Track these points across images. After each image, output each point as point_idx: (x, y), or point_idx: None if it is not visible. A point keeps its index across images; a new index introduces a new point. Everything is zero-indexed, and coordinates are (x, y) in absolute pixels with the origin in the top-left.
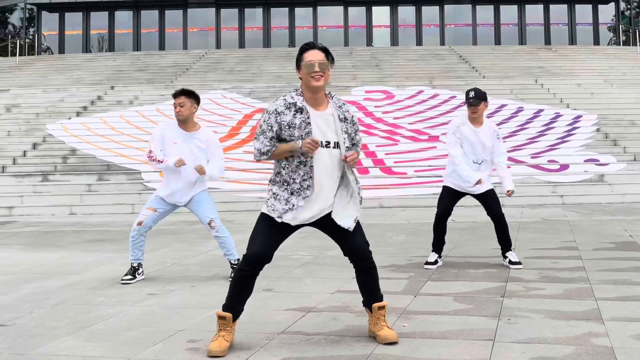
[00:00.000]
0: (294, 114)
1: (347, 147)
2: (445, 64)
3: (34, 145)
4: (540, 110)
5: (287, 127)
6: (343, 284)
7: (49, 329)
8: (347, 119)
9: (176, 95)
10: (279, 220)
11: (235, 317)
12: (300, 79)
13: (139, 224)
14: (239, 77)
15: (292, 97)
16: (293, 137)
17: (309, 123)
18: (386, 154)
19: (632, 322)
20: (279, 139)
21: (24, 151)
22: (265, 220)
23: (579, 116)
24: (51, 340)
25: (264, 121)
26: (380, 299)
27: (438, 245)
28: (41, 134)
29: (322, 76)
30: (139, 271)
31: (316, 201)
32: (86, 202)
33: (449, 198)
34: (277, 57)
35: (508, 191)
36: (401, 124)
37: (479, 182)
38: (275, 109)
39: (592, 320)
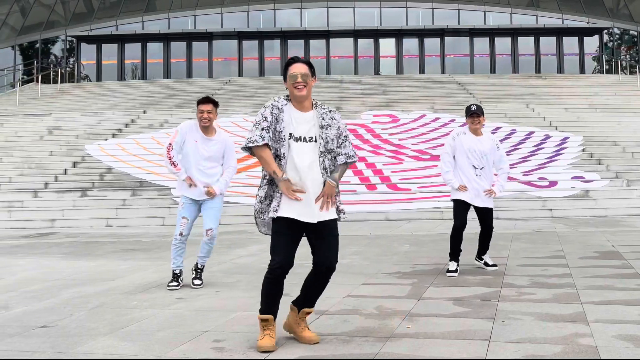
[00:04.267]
0: (280, 112)
1: (321, 151)
2: (445, 90)
3: (74, 164)
4: (532, 133)
5: (275, 121)
6: (353, 289)
7: (87, 330)
8: (328, 126)
9: (204, 102)
10: (292, 216)
11: (275, 315)
12: (287, 89)
13: (181, 234)
14: (259, 102)
15: (279, 100)
16: (275, 131)
17: (283, 119)
18: (392, 171)
19: (615, 323)
20: (274, 132)
21: (65, 169)
22: (278, 232)
23: (566, 138)
24: (89, 340)
25: (260, 114)
26: (312, 305)
27: (456, 254)
28: (80, 154)
29: (304, 86)
30: (181, 277)
31: (308, 190)
32: (121, 215)
33: (463, 211)
34: None
35: (488, 190)
36: (405, 145)
37: (462, 187)
38: (272, 104)
39: (578, 322)
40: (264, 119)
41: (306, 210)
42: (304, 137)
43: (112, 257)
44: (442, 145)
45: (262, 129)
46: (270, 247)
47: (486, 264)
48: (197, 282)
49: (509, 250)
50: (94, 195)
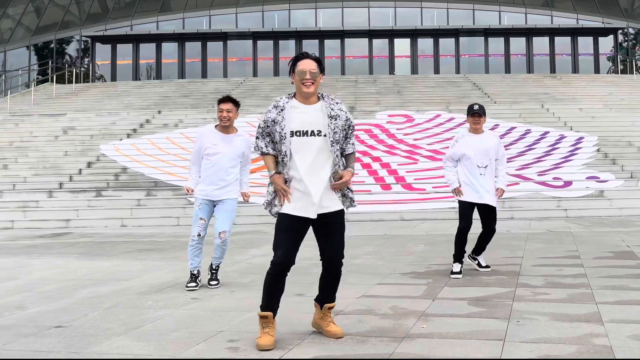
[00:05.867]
0: (278, 113)
1: (330, 141)
2: (460, 90)
3: (89, 164)
4: (546, 132)
5: (272, 123)
6: (368, 289)
7: (102, 330)
8: (337, 117)
9: (224, 101)
10: (281, 210)
11: (274, 314)
12: (292, 83)
13: (199, 235)
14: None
15: (280, 100)
16: (275, 132)
17: (284, 118)
18: (407, 171)
19: (629, 323)
20: (270, 135)
21: (80, 169)
22: (280, 229)
23: (581, 138)
24: (104, 340)
25: (263, 120)
26: (333, 300)
27: (460, 255)
28: (95, 154)
29: (312, 83)
30: (199, 278)
31: (306, 187)
32: (136, 215)
33: (469, 211)
34: None
35: (498, 189)
36: (420, 145)
37: (458, 190)
38: (268, 110)
39: (593, 322)
40: (266, 125)
41: (307, 205)
42: (309, 131)
43: (127, 257)
44: None
45: (267, 141)
46: (273, 243)
47: (479, 264)
48: (213, 282)
49: (523, 251)
50: (109, 196)
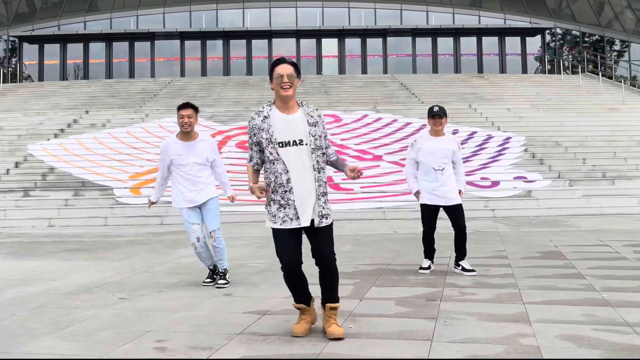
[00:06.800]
0: (263, 120)
1: (312, 148)
2: (388, 90)
3: (16, 164)
4: (474, 132)
5: (258, 130)
6: None
7: (29, 330)
8: (316, 124)
9: (184, 107)
10: (283, 226)
11: (308, 303)
12: (272, 89)
13: (198, 240)
14: (201, 102)
15: (264, 108)
16: (262, 139)
17: (271, 125)
18: (334, 171)
19: (557, 323)
20: (258, 144)
21: (7, 169)
22: (277, 236)
23: (509, 138)
24: (31, 340)
25: (249, 131)
26: (335, 300)
27: (429, 253)
28: (22, 154)
29: (290, 87)
30: (216, 272)
31: (298, 194)
32: (63, 215)
33: (431, 215)
34: (236, 84)
35: (459, 191)
36: (348, 145)
37: (417, 193)
38: (252, 117)
39: (520, 322)
40: (253, 133)
41: (297, 214)
42: (291, 142)
43: (55, 257)
44: (385, 145)
45: (254, 150)
46: (276, 249)
47: (463, 269)
48: (220, 282)
49: (451, 251)
50: (36, 196)
